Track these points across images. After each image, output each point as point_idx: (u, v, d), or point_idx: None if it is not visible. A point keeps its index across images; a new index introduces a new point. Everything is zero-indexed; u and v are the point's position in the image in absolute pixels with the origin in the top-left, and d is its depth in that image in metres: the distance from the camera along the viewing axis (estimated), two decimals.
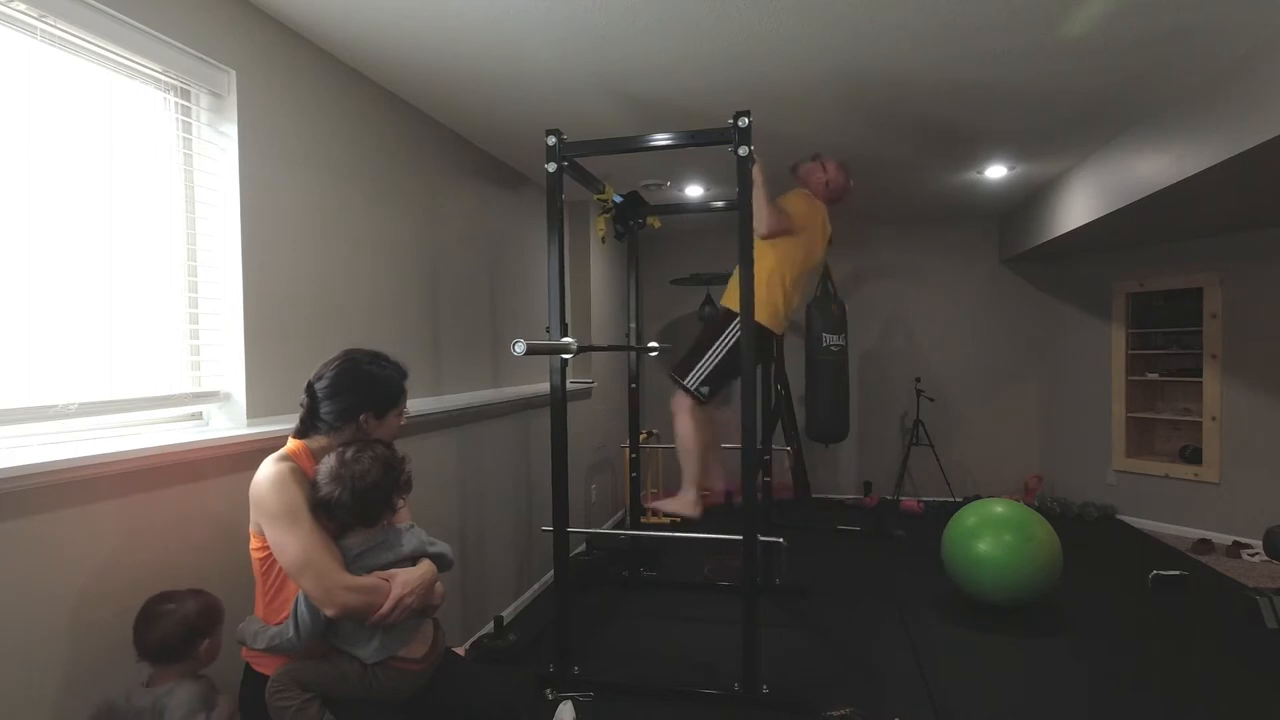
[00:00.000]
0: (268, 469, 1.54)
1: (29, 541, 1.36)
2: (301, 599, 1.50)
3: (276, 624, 1.55)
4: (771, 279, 2.92)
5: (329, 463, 1.56)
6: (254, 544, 1.58)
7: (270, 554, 1.54)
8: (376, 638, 1.56)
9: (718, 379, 2.90)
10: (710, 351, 2.89)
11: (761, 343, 2.97)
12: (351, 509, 1.55)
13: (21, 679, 1.35)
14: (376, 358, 1.69)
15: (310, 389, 1.63)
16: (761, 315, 2.87)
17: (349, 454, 1.57)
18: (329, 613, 1.48)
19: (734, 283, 2.92)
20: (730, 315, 2.90)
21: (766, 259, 2.90)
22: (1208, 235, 4.54)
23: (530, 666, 2.76)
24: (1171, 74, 2.57)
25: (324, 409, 1.60)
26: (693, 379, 2.90)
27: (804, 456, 5.13)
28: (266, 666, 1.56)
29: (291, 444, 1.63)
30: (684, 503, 3.00)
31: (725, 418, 3.18)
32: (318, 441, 1.63)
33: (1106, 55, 2.40)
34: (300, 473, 1.56)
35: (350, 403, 1.61)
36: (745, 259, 2.42)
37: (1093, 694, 2.56)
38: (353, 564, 1.54)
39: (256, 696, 1.53)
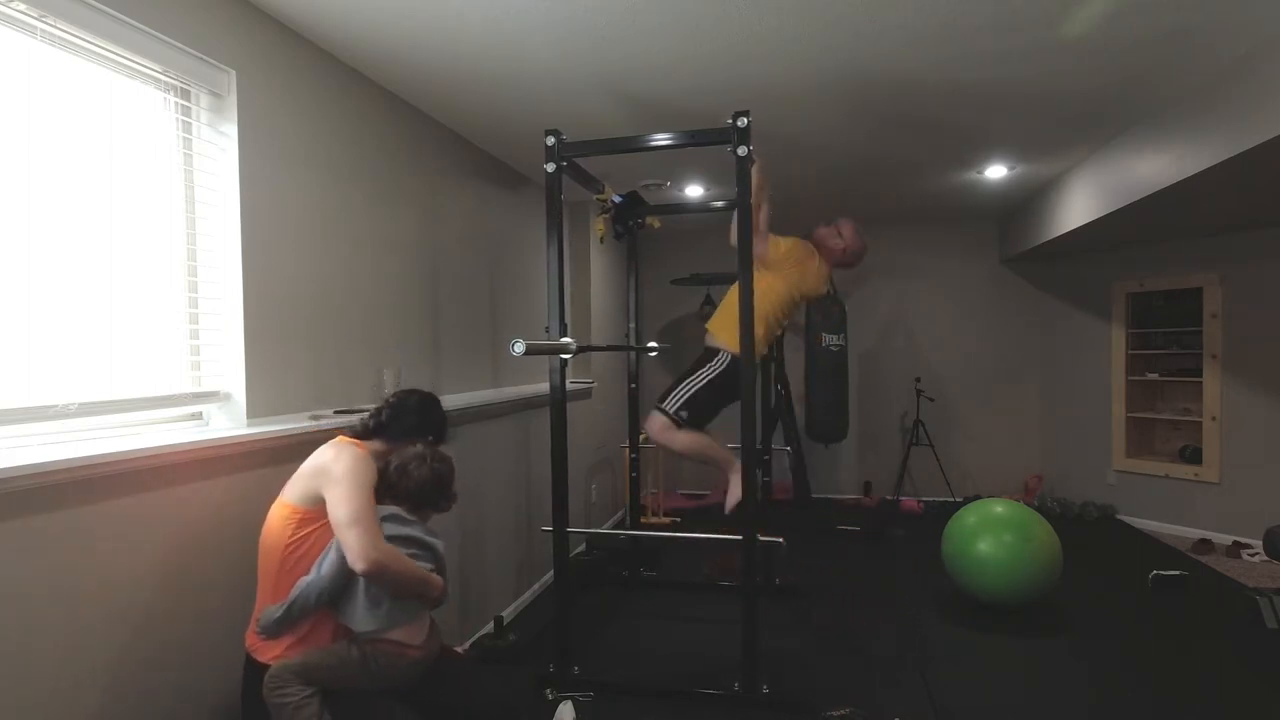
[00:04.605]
0: (353, 451, 1.69)
1: (28, 542, 1.36)
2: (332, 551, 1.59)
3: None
4: (758, 319, 2.92)
5: (418, 448, 1.82)
6: (285, 514, 1.65)
7: (304, 530, 1.63)
8: (361, 605, 1.59)
9: (696, 407, 2.95)
10: (689, 381, 2.98)
11: (738, 375, 3.00)
12: (416, 482, 1.75)
13: (19, 680, 1.35)
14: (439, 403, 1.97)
15: (404, 404, 1.87)
16: (738, 346, 2.90)
17: (437, 451, 1.84)
18: (360, 566, 1.53)
19: (720, 318, 3.01)
20: (710, 353, 2.99)
21: (759, 301, 2.92)
22: (1208, 235, 4.54)
23: (530, 666, 2.75)
24: (1171, 74, 2.57)
25: (409, 421, 1.85)
26: (670, 403, 2.97)
27: (804, 456, 5.13)
28: (267, 655, 1.57)
29: (356, 441, 1.78)
30: (737, 486, 2.97)
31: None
32: (374, 445, 1.81)
33: (1106, 55, 2.40)
34: (372, 463, 1.72)
35: (427, 425, 1.89)
36: (744, 261, 2.42)
37: (1093, 694, 2.56)
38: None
39: (257, 687, 1.53)
